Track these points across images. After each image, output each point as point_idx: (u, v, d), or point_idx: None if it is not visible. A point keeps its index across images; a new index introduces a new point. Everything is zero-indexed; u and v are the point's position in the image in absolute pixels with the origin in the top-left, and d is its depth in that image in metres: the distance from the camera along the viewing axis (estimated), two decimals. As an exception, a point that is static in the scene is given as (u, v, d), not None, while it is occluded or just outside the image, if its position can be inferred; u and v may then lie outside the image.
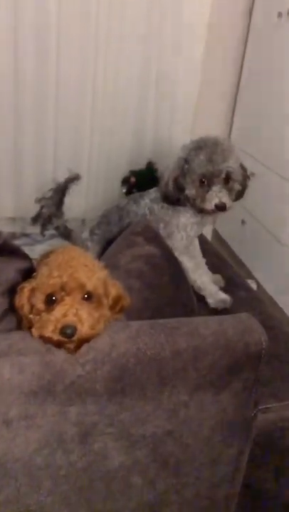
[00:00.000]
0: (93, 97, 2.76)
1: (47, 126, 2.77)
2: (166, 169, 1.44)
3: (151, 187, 2.77)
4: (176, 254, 1.41)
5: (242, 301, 1.41)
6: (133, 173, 2.82)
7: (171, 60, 2.78)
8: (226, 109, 3.06)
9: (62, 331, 0.81)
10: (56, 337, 0.82)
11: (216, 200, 1.32)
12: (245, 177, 1.41)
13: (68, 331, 0.81)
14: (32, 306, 0.88)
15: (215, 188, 1.32)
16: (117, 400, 0.87)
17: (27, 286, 0.88)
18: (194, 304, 1.20)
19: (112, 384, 0.86)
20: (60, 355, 0.83)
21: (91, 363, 0.84)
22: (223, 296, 1.38)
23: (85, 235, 1.58)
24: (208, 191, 1.33)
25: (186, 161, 1.36)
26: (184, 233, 1.43)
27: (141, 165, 2.85)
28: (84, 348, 0.84)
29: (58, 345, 0.83)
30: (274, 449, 1.11)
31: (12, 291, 0.93)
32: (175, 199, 1.40)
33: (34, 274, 0.91)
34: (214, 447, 1.00)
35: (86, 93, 2.74)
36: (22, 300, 0.87)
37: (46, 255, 0.95)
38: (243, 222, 2.85)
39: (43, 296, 0.87)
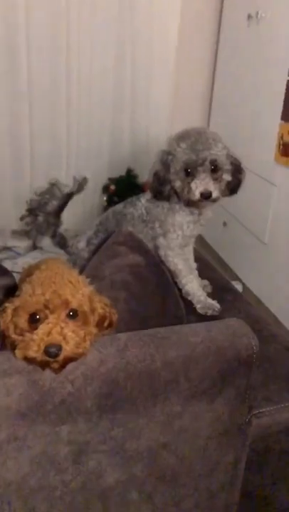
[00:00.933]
0: (68, 105, 2.74)
1: (22, 138, 2.75)
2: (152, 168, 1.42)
3: (131, 194, 2.78)
4: (171, 254, 1.39)
5: (229, 305, 1.39)
6: (112, 180, 2.81)
7: (144, 68, 2.79)
8: (202, 112, 3.07)
9: (47, 351, 0.79)
10: (40, 357, 0.79)
11: (200, 189, 1.28)
12: (239, 170, 1.37)
13: (53, 351, 0.78)
14: (16, 326, 0.85)
15: (199, 177, 1.29)
16: (108, 416, 0.85)
17: (10, 306, 0.85)
18: (182, 311, 1.19)
19: (103, 400, 0.84)
20: (48, 374, 0.81)
21: (80, 380, 0.82)
22: (212, 302, 1.36)
23: (82, 245, 1.54)
24: (192, 181, 1.30)
25: (170, 153, 1.33)
26: (179, 232, 1.40)
27: (120, 172, 2.84)
28: (72, 364, 0.81)
29: (43, 365, 0.81)
30: (270, 453, 1.10)
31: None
32: (158, 193, 1.37)
33: (17, 292, 0.89)
34: (211, 456, 0.98)
35: (60, 102, 2.72)
36: (6, 321, 0.84)
37: (29, 271, 0.93)
38: (224, 224, 2.85)
39: (26, 315, 0.84)
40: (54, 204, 1.51)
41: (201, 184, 1.28)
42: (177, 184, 1.32)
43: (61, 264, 0.93)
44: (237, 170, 1.35)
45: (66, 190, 1.51)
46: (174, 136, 1.34)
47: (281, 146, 2.34)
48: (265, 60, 2.44)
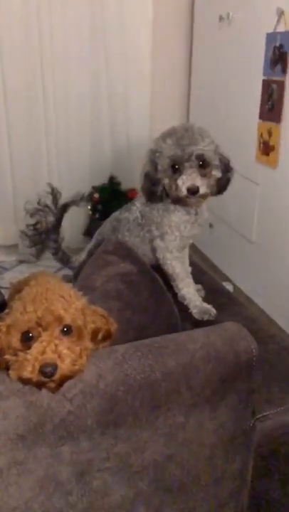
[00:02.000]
0: (45, 117, 2.72)
1: (2, 153, 2.72)
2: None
3: (115, 201, 2.75)
4: (169, 257, 1.36)
5: (223, 308, 1.38)
6: (96, 189, 2.79)
7: (120, 75, 2.78)
8: (180, 116, 3.07)
9: (42, 371, 0.76)
10: (36, 378, 0.76)
11: (187, 184, 1.24)
12: (227, 168, 1.34)
13: (48, 370, 0.76)
14: (8, 346, 0.82)
15: (186, 172, 1.24)
16: (110, 433, 0.83)
17: (2, 325, 0.82)
18: (177, 317, 1.17)
19: (104, 416, 0.81)
20: (45, 394, 0.78)
21: (79, 397, 0.79)
22: (208, 307, 1.34)
23: (84, 258, 1.50)
24: (179, 177, 1.26)
25: (156, 150, 1.29)
26: (177, 233, 1.36)
27: (103, 180, 2.82)
28: (70, 381, 0.79)
29: (39, 385, 0.78)
30: (277, 457, 1.08)
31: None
32: (150, 193, 1.33)
33: (6, 309, 0.86)
34: (217, 465, 0.96)
35: (38, 114, 2.70)
36: (0, 341, 0.81)
37: (18, 286, 0.90)
38: (211, 225, 2.85)
39: (19, 334, 0.81)
40: (51, 218, 1.46)
41: (187, 180, 1.24)
42: (166, 182, 1.29)
43: (51, 278, 0.90)
44: (225, 168, 1.33)
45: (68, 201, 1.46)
46: (160, 134, 1.32)
47: (261, 145, 2.34)
48: (240, 60, 2.44)
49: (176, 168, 1.26)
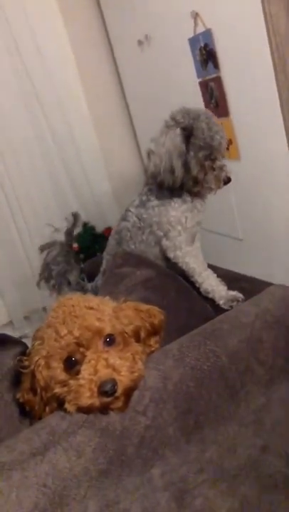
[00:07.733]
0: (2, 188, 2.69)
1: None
2: (157, 152, 1.23)
3: (96, 245, 2.69)
4: (180, 255, 1.30)
5: (249, 292, 1.30)
6: (73, 239, 2.72)
7: (63, 128, 2.79)
8: (129, 145, 3.09)
9: (102, 391, 0.67)
10: (98, 401, 0.67)
11: (223, 175, 1.20)
12: None
13: (109, 388, 0.67)
14: (54, 381, 0.72)
15: (219, 162, 1.19)
16: (196, 438, 0.73)
17: (39, 359, 0.72)
18: (210, 309, 1.09)
19: (184, 420, 0.71)
20: (114, 416, 0.68)
21: (152, 407, 0.69)
22: (233, 293, 1.26)
23: (100, 281, 1.43)
24: (212, 166, 1.19)
25: (186, 128, 1.19)
26: (179, 227, 1.29)
27: (77, 228, 2.77)
28: (136, 393, 0.69)
29: (104, 409, 0.68)
30: None
31: (16, 379, 0.78)
32: (179, 185, 1.22)
33: (37, 342, 0.76)
34: (314, 442, 0.86)
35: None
36: (43, 376, 0.72)
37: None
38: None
39: (61, 363, 0.72)
40: (65, 248, 1.45)
41: (224, 170, 1.20)
42: (195, 170, 1.20)
43: (74, 295, 0.82)
44: None
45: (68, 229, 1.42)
46: (182, 115, 1.23)
47: (220, 143, 2.35)
48: (171, 73, 2.48)
49: (208, 156, 1.19)
